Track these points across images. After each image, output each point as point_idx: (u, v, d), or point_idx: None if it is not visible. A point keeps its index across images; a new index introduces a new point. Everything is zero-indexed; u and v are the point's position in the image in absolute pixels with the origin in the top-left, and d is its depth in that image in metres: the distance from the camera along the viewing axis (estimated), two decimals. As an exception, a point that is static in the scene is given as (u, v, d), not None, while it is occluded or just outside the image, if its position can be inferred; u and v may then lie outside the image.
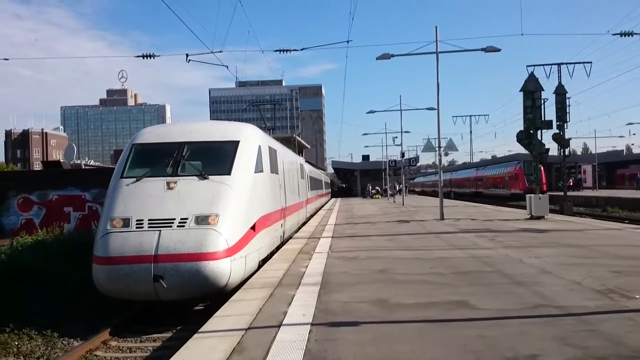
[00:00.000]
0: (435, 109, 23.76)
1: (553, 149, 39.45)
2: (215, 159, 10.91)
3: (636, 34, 22.50)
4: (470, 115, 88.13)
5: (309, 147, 69.84)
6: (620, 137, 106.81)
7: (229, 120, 18.17)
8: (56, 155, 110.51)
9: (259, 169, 11.64)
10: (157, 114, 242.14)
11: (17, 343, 8.85)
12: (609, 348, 5.06)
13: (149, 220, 9.36)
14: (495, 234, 16.04)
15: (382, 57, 23.00)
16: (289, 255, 12.39)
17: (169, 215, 9.43)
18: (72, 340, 9.21)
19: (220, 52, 20.95)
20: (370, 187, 63.67)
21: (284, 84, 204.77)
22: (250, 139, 11.80)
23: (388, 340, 5.55)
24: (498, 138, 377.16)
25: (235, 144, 11.19)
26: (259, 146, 12.01)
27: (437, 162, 26.57)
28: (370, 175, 71.39)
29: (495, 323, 6.08)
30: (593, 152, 78.07)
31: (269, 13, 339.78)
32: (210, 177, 10.30)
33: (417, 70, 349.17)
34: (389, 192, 55.89)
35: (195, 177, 10.32)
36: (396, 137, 50.41)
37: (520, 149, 28.66)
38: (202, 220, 9.39)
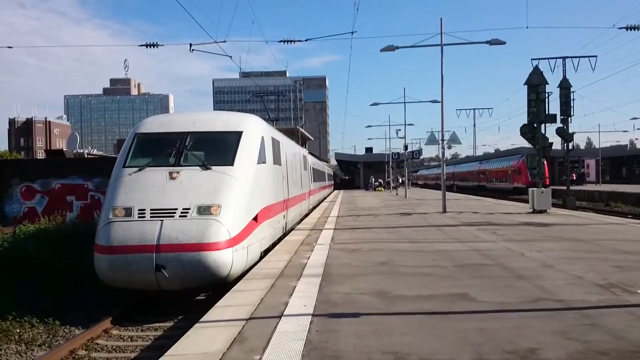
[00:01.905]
0: (439, 102, 23.66)
1: (557, 143, 39.28)
2: (218, 149, 10.90)
3: (642, 28, 22.36)
4: (474, 109, 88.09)
5: (312, 138, 69.65)
6: (624, 131, 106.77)
7: (233, 110, 18.14)
8: (59, 144, 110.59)
9: (261, 160, 11.62)
10: (160, 104, 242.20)
11: (18, 330, 8.89)
12: (610, 342, 5.06)
13: (151, 209, 9.36)
14: (497, 227, 16.03)
15: (387, 49, 22.92)
16: (291, 247, 12.40)
17: (171, 205, 9.43)
18: (73, 328, 9.25)
19: (224, 42, 20.91)
20: (373, 179, 63.64)
21: (287, 75, 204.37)
22: (254, 130, 11.78)
23: (388, 331, 5.56)
24: (502, 131, 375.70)
25: (238, 135, 11.17)
26: (262, 137, 11.99)
27: (440, 155, 26.54)
28: (373, 168, 71.31)
29: (496, 316, 6.08)
30: (597, 146, 77.82)
31: (274, 3, 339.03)
32: (213, 167, 10.30)
33: (422, 62, 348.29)
34: (392, 184, 55.85)
35: (198, 167, 10.31)
36: (400, 130, 50.48)
37: (524, 143, 28.61)
38: (205, 210, 9.39)
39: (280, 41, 21.70)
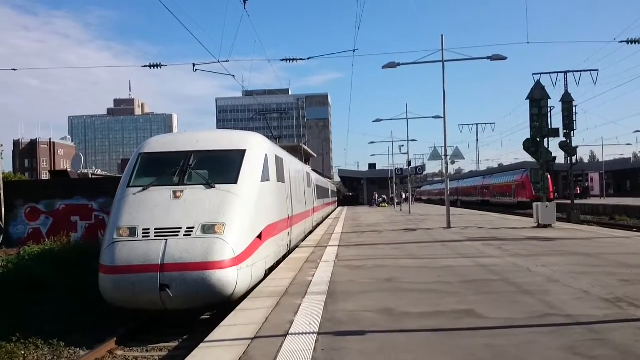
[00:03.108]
0: (441, 118, 23.74)
1: (560, 157, 39.36)
2: (221, 167, 10.93)
3: (643, 41, 22.41)
4: (477, 124, 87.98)
5: (315, 155, 69.89)
6: (627, 144, 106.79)
7: (236, 129, 18.19)
8: (64, 164, 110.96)
9: (265, 177, 11.64)
10: (164, 124, 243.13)
11: (23, 352, 8.86)
12: (617, 358, 5.02)
13: (155, 229, 9.36)
14: (502, 242, 15.97)
15: (388, 65, 23.03)
16: (295, 264, 12.37)
17: (175, 224, 9.44)
18: (78, 349, 9.22)
19: (226, 61, 21.03)
20: (377, 195, 63.57)
21: (290, 93, 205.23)
22: (257, 148, 11.81)
23: (394, 349, 5.53)
24: (504, 146, 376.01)
25: (242, 153, 11.20)
26: (266, 155, 12.02)
27: (444, 171, 26.54)
28: (376, 184, 71.30)
29: (503, 332, 6.04)
30: (600, 160, 77.74)
31: (276, 23, 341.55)
32: (216, 186, 10.31)
33: (424, 78, 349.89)
34: (396, 200, 55.80)
35: (201, 186, 10.33)
36: (403, 146, 50.41)
37: (527, 157, 28.61)
38: (209, 229, 9.39)
39: (283, 60, 21.82)
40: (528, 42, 25.17)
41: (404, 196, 56.65)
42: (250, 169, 11.00)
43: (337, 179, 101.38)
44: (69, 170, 30.46)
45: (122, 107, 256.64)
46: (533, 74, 35.37)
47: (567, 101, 32.30)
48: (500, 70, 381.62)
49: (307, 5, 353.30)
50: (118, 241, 9.30)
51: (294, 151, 34.11)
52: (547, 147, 21.85)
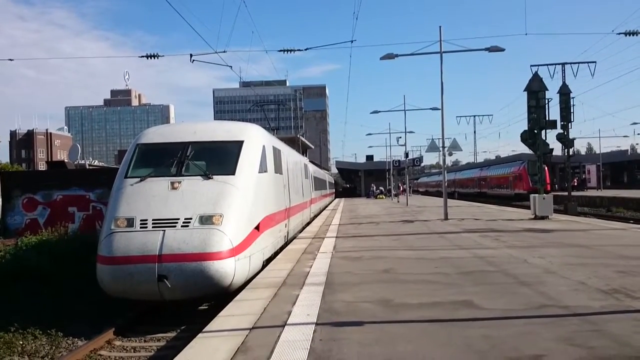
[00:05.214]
0: (439, 109, 23.69)
1: (557, 148, 39.43)
2: (219, 159, 10.92)
3: (641, 33, 22.40)
4: (474, 115, 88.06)
5: (312, 147, 69.68)
6: (624, 136, 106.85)
7: (233, 120, 18.15)
8: (61, 155, 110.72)
9: (263, 169, 11.63)
10: (161, 115, 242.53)
11: (21, 342, 8.88)
12: (614, 348, 5.04)
13: (153, 220, 9.37)
14: (499, 233, 16.00)
15: (386, 57, 22.96)
16: (293, 255, 12.38)
17: (173, 215, 9.44)
18: (76, 339, 9.24)
19: (224, 52, 20.99)
20: (374, 187, 63.60)
21: (287, 84, 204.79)
22: (255, 139, 11.80)
23: (392, 340, 5.54)
24: (502, 138, 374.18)
25: (239, 144, 11.19)
26: (263, 146, 12.01)
27: (441, 162, 26.56)
28: (374, 176, 71.30)
29: (500, 323, 6.06)
30: (597, 152, 77.84)
31: (273, 13, 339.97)
32: (214, 177, 10.31)
33: (421, 70, 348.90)
34: (393, 192, 55.83)
35: (199, 177, 10.33)
36: (400, 137, 50.40)
37: (524, 149, 28.68)
38: (206, 220, 9.40)
39: (280, 50, 21.77)
40: (526, 34, 25.10)
41: (401, 188, 56.65)
42: (247, 160, 11.00)
43: (334, 170, 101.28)
44: (66, 161, 30.39)
45: (119, 98, 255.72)
46: (531, 66, 35.50)
47: (564, 93, 32.31)
48: (498, 62, 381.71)
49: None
50: (116, 232, 9.30)
51: (292, 142, 34.02)
52: (544, 139, 21.86)
